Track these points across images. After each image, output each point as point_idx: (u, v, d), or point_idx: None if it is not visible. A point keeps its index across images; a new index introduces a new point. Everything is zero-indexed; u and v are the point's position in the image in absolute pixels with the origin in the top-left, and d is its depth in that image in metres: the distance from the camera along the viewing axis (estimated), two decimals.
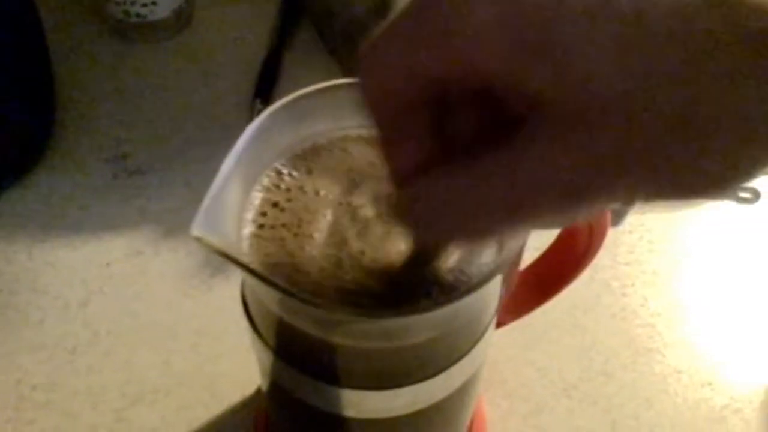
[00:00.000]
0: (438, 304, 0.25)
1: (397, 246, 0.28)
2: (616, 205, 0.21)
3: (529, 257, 0.38)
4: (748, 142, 0.18)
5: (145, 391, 0.44)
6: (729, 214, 0.55)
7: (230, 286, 0.48)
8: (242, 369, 0.44)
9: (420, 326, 0.27)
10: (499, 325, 0.38)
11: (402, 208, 0.23)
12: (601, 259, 0.51)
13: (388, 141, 0.23)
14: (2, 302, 0.47)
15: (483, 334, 0.30)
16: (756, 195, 0.57)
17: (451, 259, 0.28)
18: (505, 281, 0.32)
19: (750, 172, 0.19)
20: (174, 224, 0.52)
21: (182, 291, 0.48)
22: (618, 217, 0.54)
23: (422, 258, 0.27)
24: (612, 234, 0.53)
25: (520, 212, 0.20)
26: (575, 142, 0.18)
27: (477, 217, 0.20)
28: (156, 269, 0.50)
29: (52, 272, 0.49)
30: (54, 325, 0.46)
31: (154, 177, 0.55)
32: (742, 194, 0.57)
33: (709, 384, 0.45)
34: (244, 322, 0.31)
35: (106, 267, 0.50)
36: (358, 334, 0.27)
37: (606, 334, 0.47)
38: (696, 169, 0.18)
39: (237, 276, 0.29)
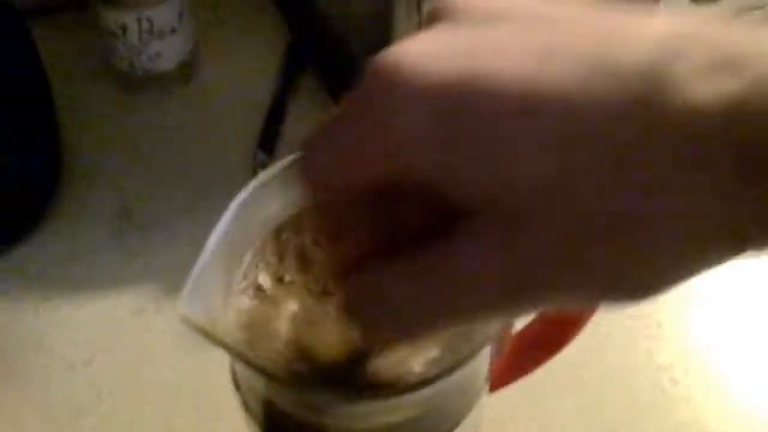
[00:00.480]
0: (418, 384, 0.25)
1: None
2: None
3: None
4: (673, 252, 0.18)
5: None
6: (737, 263, 0.54)
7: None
8: (243, 428, 0.44)
9: (404, 405, 0.27)
10: (494, 388, 0.38)
11: (342, 303, 0.23)
12: (604, 313, 0.51)
13: (331, 236, 0.23)
14: (8, 362, 0.48)
15: (472, 406, 0.30)
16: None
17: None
18: (496, 348, 0.32)
19: (686, 275, 0.19)
20: (177, 281, 0.52)
21: (184, 349, 0.49)
22: None
23: (369, 350, 0.27)
24: None
25: (457, 310, 0.20)
26: (504, 243, 0.18)
27: (412, 313, 0.20)
28: (159, 327, 0.50)
29: (57, 331, 0.50)
30: (59, 386, 0.47)
31: (159, 232, 0.55)
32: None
33: None
34: None
35: (110, 325, 0.50)
36: (340, 415, 0.27)
37: (610, 390, 0.47)
38: (631, 274, 0.18)
39: None
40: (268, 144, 0.61)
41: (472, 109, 0.18)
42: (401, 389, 0.25)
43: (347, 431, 0.28)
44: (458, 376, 0.26)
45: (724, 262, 0.18)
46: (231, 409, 0.45)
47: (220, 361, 0.48)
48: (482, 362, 0.30)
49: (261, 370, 0.25)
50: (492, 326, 0.26)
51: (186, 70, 0.66)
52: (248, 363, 0.25)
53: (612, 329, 0.50)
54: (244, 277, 0.30)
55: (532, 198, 0.18)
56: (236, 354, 0.25)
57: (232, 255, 0.30)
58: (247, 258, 0.31)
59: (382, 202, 0.21)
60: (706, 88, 0.16)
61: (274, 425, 0.30)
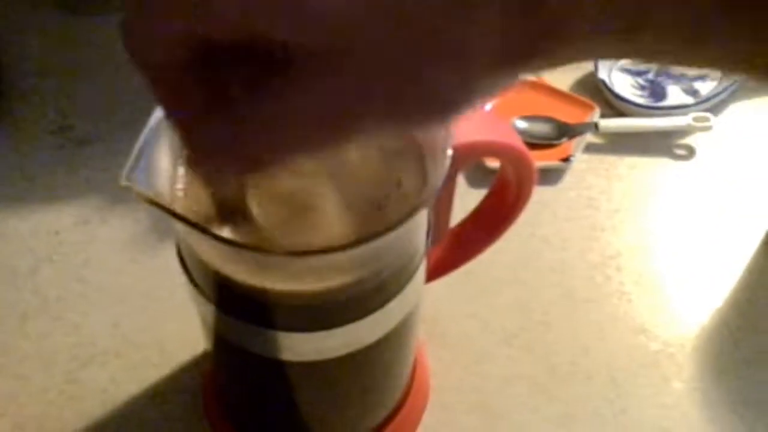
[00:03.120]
0: (361, 241, 0.26)
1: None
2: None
3: (460, 214, 0.39)
4: (474, 68, 0.20)
5: (95, 353, 0.44)
6: (665, 171, 0.57)
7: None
8: (190, 330, 0.44)
9: (346, 265, 0.28)
10: (433, 277, 0.40)
11: (187, 153, 0.24)
12: (541, 216, 0.53)
13: (164, 100, 0.23)
14: None
15: (411, 277, 0.32)
16: (691, 152, 0.58)
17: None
18: (431, 228, 0.34)
19: (476, 93, 0.20)
20: (121, 193, 0.52)
21: (130, 257, 0.49)
22: (557, 176, 0.55)
23: (226, 204, 0.28)
24: (551, 192, 0.55)
25: (286, 142, 0.21)
26: (321, 77, 0.19)
27: (246, 147, 0.21)
28: (104, 237, 0.50)
29: (0, 242, 0.50)
30: (3, 293, 0.47)
31: (100, 147, 0.55)
32: (678, 151, 0.58)
33: (643, 331, 0.47)
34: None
35: (54, 235, 0.50)
36: (288, 277, 0.28)
37: (545, 287, 0.49)
38: (435, 93, 0.20)
39: None
40: None
41: None
42: (334, 248, 0.26)
43: (288, 295, 0.29)
44: (397, 238, 0.28)
45: (522, 75, 0.20)
46: (176, 312, 0.47)
47: (166, 268, 0.49)
48: (417, 234, 0.31)
49: (202, 230, 0.26)
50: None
51: None
52: (190, 225, 0.26)
53: (548, 232, 0.52)
54: None
55: (341, 32, 0.19)
56: (179, 218, 0.26)
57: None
58: None
59: (210, 63, 0.22)
60: None
61: (222, 298, 0.30)
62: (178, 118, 0.23)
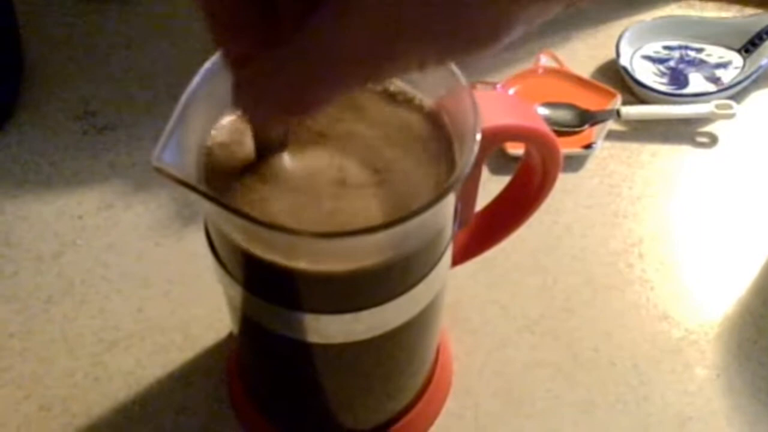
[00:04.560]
0: (391, 223, 0.26)
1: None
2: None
3: (486, 199, 0.39)
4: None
5: (119, 336, 0.45)
6: (686, 158, 0.57)
7: (201, 236, 0.49)
8: (215, 313, 0.45)
9: (375, 247, 0.28)
10: (457, 262, 0.40)
11: (236, 92, 0.24)
12: (563, 203, 0.53)
13: (219, 30, 0.23)
14: None
15: (439, 260, 0.32)
16: (713, 140, 0.58)
17: None
18: (458, 215, 0.34)
19: (518, 21, 0.20)
20: (144, 178, 0.53)
21: (154, 241, 0.49)
22: (579, 163, 0.55)
23: (263, 144, 0.29)
24: (573, 179, 0.55)
25: (335, 79, 0.21)
26: (365, 14, 0.19)
27: (296, 87, 0.21)
28: (128, 221, 0.50)
29: (25, 226, 0.50)
30: (28, 277, 0.47)
31: (123, 132, 0.56)
32: (700, 138, 0.58)
33: (666, 318, 0.47)
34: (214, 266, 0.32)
35: (78, 220, 0.50)
36: (316, 257, 0.28)
37: (567, 274, 0.49)
38: (474, 21, 0.20)
39: None
40: None
41: None
42: (363, 230, 0.26)
43: (316, 275, 0.29)
44: (425, 220, 0.28)
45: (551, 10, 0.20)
46: (201, 295, 0.47)
47: (190, 252, 0.49)
48: (445, 217, 0.31)
49: (231, 210, 0.26)
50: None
51: None
52: (219, 204, 0.26)
53: (570, 219, 0.52)
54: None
55: None
56: (207, 197, 0.26)
57: (207, 116, 0.31)
58: (222, 121, 0.31)
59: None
60: None
61: (250, 278, 0.31)
62: (232, 52, 0.24)
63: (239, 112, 0.26)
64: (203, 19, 0.23)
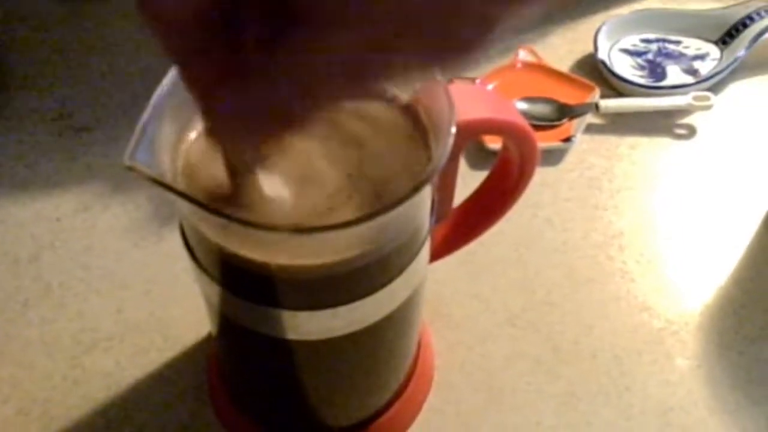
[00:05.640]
0: (366, 217, 0.26)
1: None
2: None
3: (464, 194, 0.39)
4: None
5: (99, 338, 0.44)
6: (665, 150, 0.57)
7: (179, 236, 0.49)
8: (194, 313, 0.45)
9: (351, 241, 0.28)
10: (437, 257, 0.40)
11: (211, 120, 0.23)
12: (543, 197, 0.53)
13: (179, 60, 0.23)
14: None
15: (416, 253, 0.32)
16: (691, 131, 0.58)
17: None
18: (435, 209, 0.34)
19: (497, 25, 0.20)
20: (121, 179, 0.52)
21: (132, 242, 0.49)
22: (558, 157, 0.55)
23: (237, 171, 0.28)
24: (553, 172, 0.55)
25: (316, 93, 0.21)
26: (342, 26, 0.19)
27: (280, 109, 0.21)
28: (105, 223, 0.50)
29: (1, 229, 0.49)
30: (5, 280, 0.47)
31: (100, 133, 0.55)
32: (679, 130, 0.58)
33: (647, 309, 0.47)
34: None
35: (56, 222, 0.50)
36: (292, 253, 0.28)
37: (548, 267, 0.49)
38: (453, 33, 0.19)
39: None
40: None
41: None
42: (338, 224, 0.26)
43: (292, 271, 0.29)
44: (400, 214, 0.27)
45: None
46: (179, 295, 0.47)
47: (168, 253, 0.49)
48: (421, 210, 0.31)
49: (205, 208, 0.26)
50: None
51: None
52: (193, 202, 0.26)
53: (550, 212, 0.52)
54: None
55: None
56: (182, 196, 0.26)
57: (182, 114, 0.30)
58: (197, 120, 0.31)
59: (228, 22, 0.21)
60: None
61: (227, 277, 0.30)
62: (194, 79, 0.23)
63: (211, 138, 0.25)
64: (158, 43, 0.22)
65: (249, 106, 0.21)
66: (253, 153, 0.28)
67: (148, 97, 0.56)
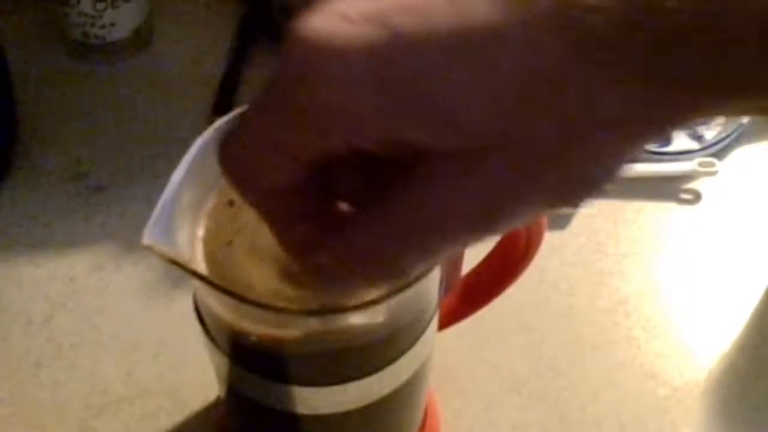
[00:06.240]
0: (378, 299, 0.27)
1: None
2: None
3: (471, 263, 0.40)
4: (611, 152, 0.20)
5: (109, 401, 0.45)
6: (671, 216, 0.58)
7: (190, 299, 0.49)
8: (204, 376, 0.45)
9: (359, 323, 0.29)
10: (444, 326, 0.40)
11: (310, 279, 0.24)
12: (549, 261, 0.53)
13: (274, 224, 0.23)
14: None
15: (424, 330, 0.32)
16: (697, 197, 0.59)
17: None
18: (444, 281, 0.34)
19: (618, 167, 0.20)
20: (135, 239, 0.52)
21: (144, 304, 0.50)
22: (565, 221, 0.56)
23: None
24: (559, 237, 0.55)
25: (428, 248, 0.21)
26: (464, 178, 0.19)
27: (384, 261, 0.21)
28: (118, 283, 0.51)
29: (15, 289, 0.50)
30: (17, 341, 0.48)
31: (115, 193, 0.56)
32: (684, 196, 0.59)
33: (653, 376, 0.47)
34: None
35: (69, 282, 0.51)
36: (298, 336, 0.28)
37: (554, 332, 0.49)
38: (578, 182, 0.20)
39: None
40: (222, 112, 0.61)
41: (406, 66, 0.18)
42: (350, 307, 0.27)
43: (306, 354, 0.30)
44: (405, 299, 0.28)
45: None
46: (190, 358, 0.47)
47: (179, 314, 0.49)
48: (430, 291, 0.32)
49: (223, 290, 0.26)
50: None
51: (140, 39, 0.66)
52: (211, 285, 0.27)
53: (556, 277, 0.53)
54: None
55: (488, 135, 0.18)
56: (199, 278, 0.27)
57: (198, 194, 0.31)
58: (213, 198, 0.32)
59: (322, 180, 0.21)
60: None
61: (237, 351, 0.31)
62: (291, 242, 0.23)
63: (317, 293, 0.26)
64: (259, 214, 0.22)
65: (353, 258, 0.21)
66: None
67: (163, 156, 0.57)
